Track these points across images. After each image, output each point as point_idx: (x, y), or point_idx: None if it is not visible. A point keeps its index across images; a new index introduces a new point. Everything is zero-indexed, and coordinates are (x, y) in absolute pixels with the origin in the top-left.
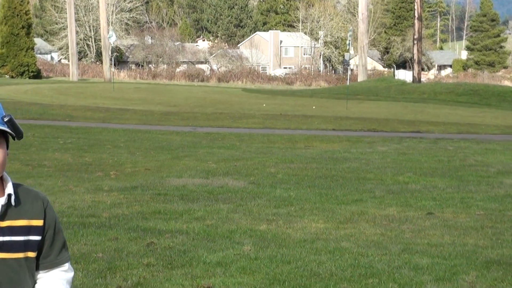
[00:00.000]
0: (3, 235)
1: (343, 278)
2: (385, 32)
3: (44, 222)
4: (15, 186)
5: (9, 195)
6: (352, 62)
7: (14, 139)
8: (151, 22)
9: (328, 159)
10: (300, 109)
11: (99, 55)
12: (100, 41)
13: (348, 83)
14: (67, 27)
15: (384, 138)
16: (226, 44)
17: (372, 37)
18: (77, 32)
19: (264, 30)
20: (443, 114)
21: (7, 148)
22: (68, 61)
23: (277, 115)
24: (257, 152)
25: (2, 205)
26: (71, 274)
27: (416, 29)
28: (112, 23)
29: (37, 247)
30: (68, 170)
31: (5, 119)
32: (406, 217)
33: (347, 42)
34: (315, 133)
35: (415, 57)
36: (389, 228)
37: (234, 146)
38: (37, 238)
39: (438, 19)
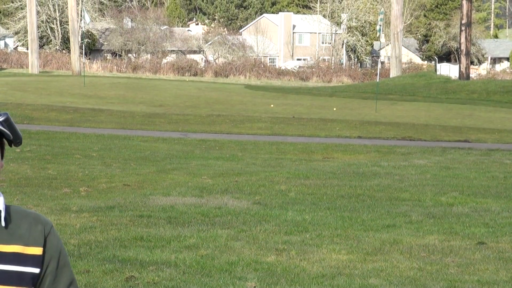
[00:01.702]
0: None
1: None
2: (425, 15)
3: (44, 251)
4: (8, 206)
5: None
6: (382, 53)
7: (11, 145)
8: (131, 1)
9: (352, 174)
10: (317, 111)
11: (65, 41)
12: (67, 24)
13: (377, 79)
14: (25, 6)
15: (423, 148)
16: (225, 29)
17: (408, 22)
18: (38, 12)
19: (273, 12)
20: (497, 119)
21: (2, 156)
22: (27, 48)
23: (288, 119)
24: (264, 165)
25: None
26: None
27: (465, 12)
28: (82, 1)
29: (35, 282)
30: (27, 185)
31: (1, 119)
32: (451, 247)
33: (377, 28)
34: (336, 141)
35: (463, 47)
36: (429, 261)
37: (235, 157)
38: (34, 270)
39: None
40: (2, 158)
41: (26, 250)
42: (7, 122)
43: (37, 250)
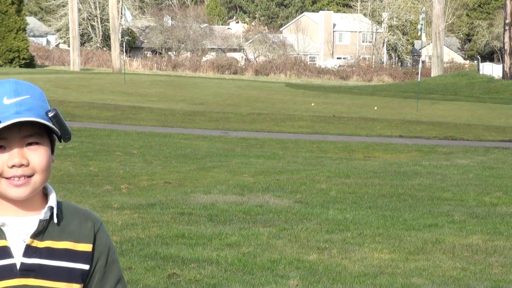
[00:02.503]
0: (41, 257)
1: None
2: (467, 15)
3: (93, 248)
4: (60, 202)
5: (51, 209)
6: (424, 52)
7: (60, 141)
8: None
9: (394, 174)
10: (358, 110)
11: (106, 39)
12: (108, 22)
13: (419, 79)
14: (67, 3)
15: (465, 148)
16: (265, 27)
17: (451, 21)
18: (79, 10)
19: (313, 11)
20: None
21: (53, 151)
22: (68, 46)
23: (329, 117)
24: (305, 164)
25: (41, 220)
26: None
27: (508, 11)
28: None
29: (84, 278)
30: (69, 182)
31: (50, 114)
32: (495, 247)
33: (419, 27)
34: (377, 140)
35: (507, 46)
36: (473, 261)
37: (276, 156)
38: (84, 267)
39: None
40: (52, 153)
41: (76, 247)
42: (56, 118)
43: (87, 247)
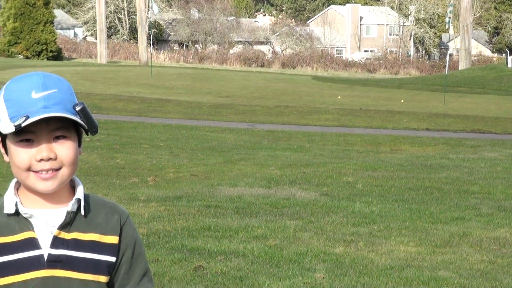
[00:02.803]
0: (68, 249)
1: None
2: (495, 8)
3: (120, 241)
4: (87, 195)
5: (78, 201)
6: (451, 45)
7: (88, 134)
8: None
9: (421, 167)
10: (384, 103)
11: (133, 31)
12: (135, 15)
13: (446, 72)
14: None
15: (493, 141)
16: (292, 20)
17: (478, 14)
18: (106, 2)
19: (340, 4)
20: None
21: (80, 144)
22: (95, 38)
23: (356, 110)
24: (331, 156)
25: (69, 212)
26: None
27: None
28: None
29: (110, 270)
30: (96, 174)
31: (77, 108)
32: None
33: (446, 20)
34: (404, 133)
35: None
36: (500, 254)
37: (302, 148)
38: (110, 259)
39: None
40: (79, 146)
41: (103, 239)
42: (83, 112)
43: (114, 239)
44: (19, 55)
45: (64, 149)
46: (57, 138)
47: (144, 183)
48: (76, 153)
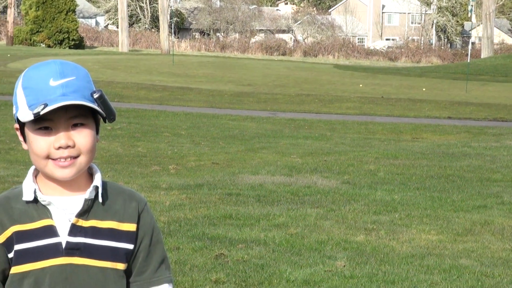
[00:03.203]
0: (85, 236)
1: None
2: None
3: (138, 228)
4: (105, 182)
5: (96, 188)
6: (474, 33)
7: (105, 121)
8: None
9: (442, 155)
10: (406, 91)
11: (154, 20)
12: (157, 3)
13: (468, 60)
14: None
15: None
16: (314, 8)
17: (501, 2)
18: None
19: None
20: None
21: (97, 131)
22: (117, 27)
23: (377, 99)
24: (353, 145)
25: (86, 199)
26: None
27: None
28: None
29: (128, 258)
30: (118, 162)
31: (95, 96)
32: None
33: (469, 8)
34: (426, 121)
35: None
36: None
37: (324, 137)
38: (128, 246)
39: None
40: (97, 133)
41: (120, 226)
42: (101, 99)
43: (131, 227)
44: (41, 44)
45: (82, 136)
46: (75, 125)
47: (165, 171)
48: (94, 140)
